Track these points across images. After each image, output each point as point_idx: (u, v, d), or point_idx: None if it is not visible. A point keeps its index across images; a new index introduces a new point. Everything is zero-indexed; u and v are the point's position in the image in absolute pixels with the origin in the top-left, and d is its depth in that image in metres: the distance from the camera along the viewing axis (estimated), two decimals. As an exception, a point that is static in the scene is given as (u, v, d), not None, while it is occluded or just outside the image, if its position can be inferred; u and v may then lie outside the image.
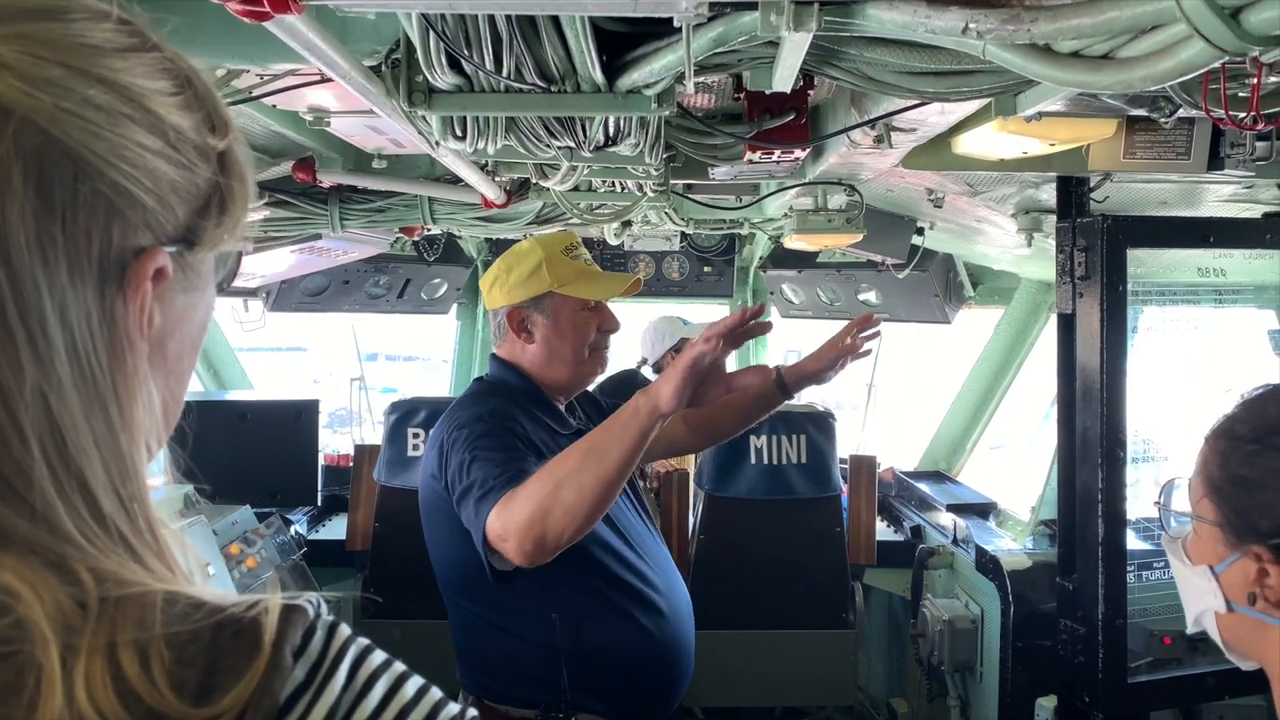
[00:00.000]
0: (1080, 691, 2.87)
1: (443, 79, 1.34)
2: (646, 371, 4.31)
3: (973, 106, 1.90)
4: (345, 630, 0.58)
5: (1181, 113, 1.85)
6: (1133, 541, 2.92)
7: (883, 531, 3.99)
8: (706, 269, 4.68)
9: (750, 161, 2.22)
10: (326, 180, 2.63)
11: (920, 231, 3.46)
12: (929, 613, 3.54)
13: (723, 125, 2.06)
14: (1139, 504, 3.15)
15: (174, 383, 0.62)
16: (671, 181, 2.74)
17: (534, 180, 2.29)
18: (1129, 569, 2.78)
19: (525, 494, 1.72)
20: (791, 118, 1.99)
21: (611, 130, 1.69)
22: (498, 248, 4.64)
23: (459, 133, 1.59)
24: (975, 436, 4.20)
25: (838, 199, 3.00)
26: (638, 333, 4.26)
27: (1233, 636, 1.04)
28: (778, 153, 2.12)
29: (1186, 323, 3.02)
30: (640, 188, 2.58)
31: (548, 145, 1.68)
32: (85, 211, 0.53)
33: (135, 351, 0.55)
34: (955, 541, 3.64)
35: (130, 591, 0.52)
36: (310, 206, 2.84)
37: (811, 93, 2.01)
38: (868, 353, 2.29)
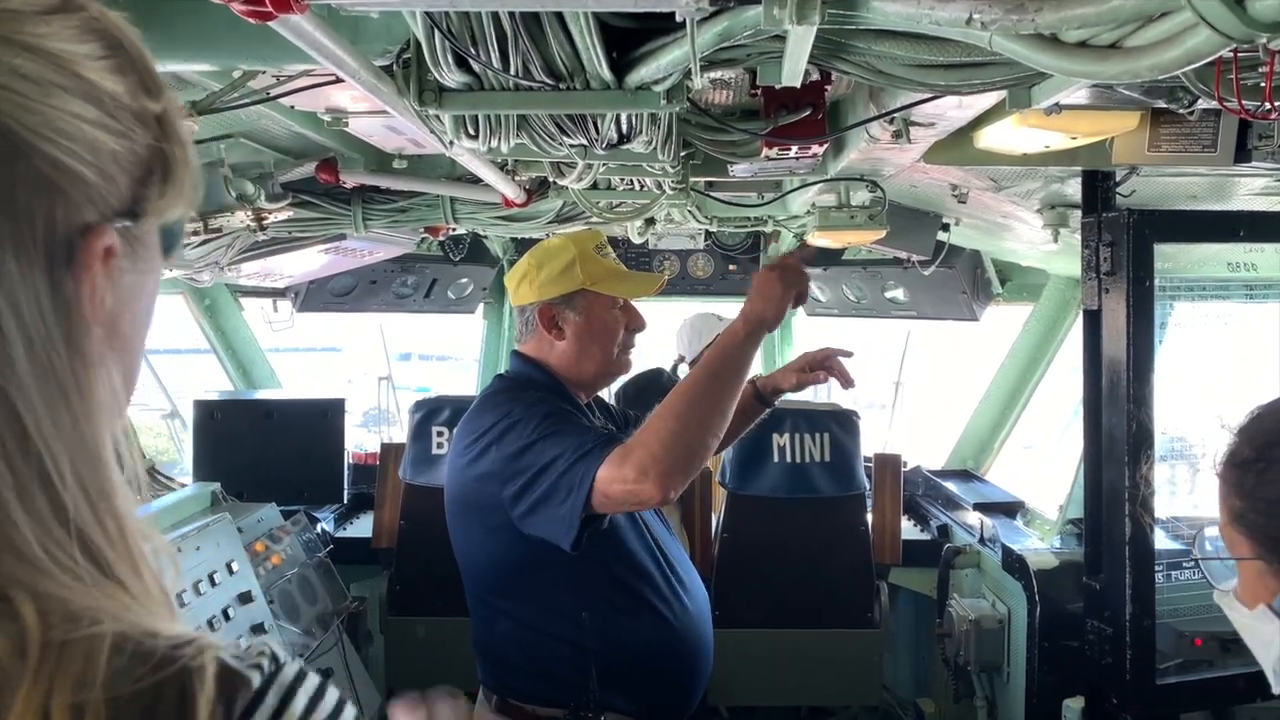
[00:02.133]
0: (1108, 693, 2.84)
1: (451, 77, 1.35)
2: (684, 371, 4.29)
3: (989, 100, 1.88)
4: (304, 695, 0.53)
5: (1203, 104, 1.83)
6: (1162, 541, 2.88)
7: (909, 530, 3.96)
8: (731, 267, 4.67)
9: (768, 158, 2.21)
10: (349, 180, 2.66)
11: (946, 228, 3.42)
12: (955, 612, 3.51)
13: (739, 122, 2.05)
14: (1171, 502, 3.10)
15: (129, 363, 0.59)
16: (691, 179, 2.74)
17: (552, 179, 2.29)
18: (1158, 569, 2.73)
19: (650, 431, 1.77)
20: (808, 113, 1.98)
21: (624, 127, 1.69)
22: (522, 247, 4.66)
23: (471, 131, 1.60)
24: (1004, 435, 4.16)
25: (860, 195, 2.98)
26: (660, 332, 4.26)
27: None
28: (795, 148, 2.10)
29: (1217, 318, 2.96)
30: (659, 185, 2.58)
31: (560, 143, 1.69)
32: (25, 192, 0.49)
33: (91, 336, 0.53)
34: (982, 541, 3.61)
35: (76, 636, 0.47)
36: (334, 207, 2.87)
37: (829, 88, 2.00)
38: (847, 384, 2.27)
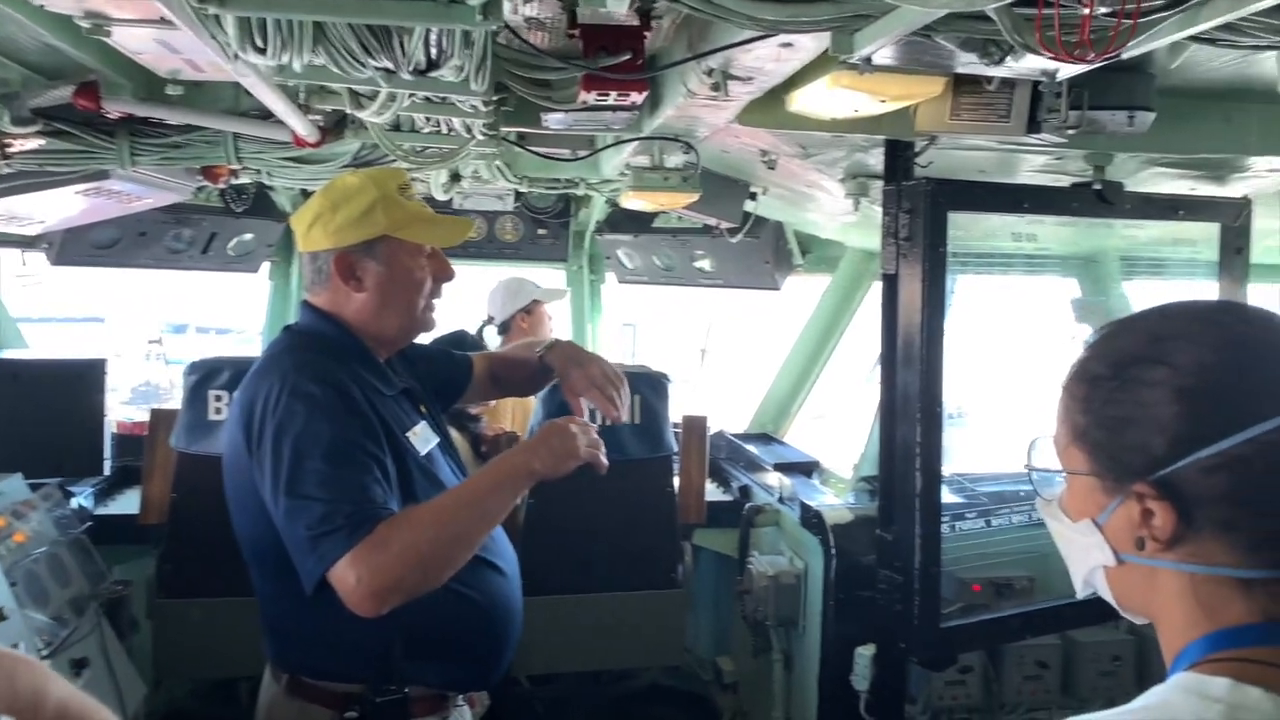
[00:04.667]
0: (897, 638, 2.98)
1: (239, -30, 1.18)
2: (490, 334, 4.15)
3: (807, 54, 1.89)
4: None
5: (1007, 67, 1.89)
6: (945, 495, 3.05)
7: (713, 492, 4.03)
8: (541, 231, 4.56)
9: (586, 105, 2.14)
10: (114, 109, 2.35)
11: (753, 196, 3.48)
12: (755, 569, 3.60)
13: (558, 60, 1.95)
14: (950, 463, 3.29)
15: None
16: (502, 129, 2.62)
17: (350, 113, 2.11)
18: (943, 520, 2.90)
19: (396, 552, 1.72)
20: (628, 57, 1.91)
21: (433, 51, 1.56)
22: (316, 201, 4.36)
23: (260, 43, 1.42)
24: (801, 399, 4.31)
25: (674, 157, 2.96)
26: (462, 296, 4.11)
27: (1123, 590, 0.99)
28: (614, 94, 2.04)
29: (996, 290, 3.17)
30: (468, 129, 2.45)
31: (362, 65, 1.53)
32: None
33: None
34: (781, 500, 3.71)
35: None
36: (95, 139, 2.53)
37: (648, 35, 1.94)
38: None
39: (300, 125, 2.28)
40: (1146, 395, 0.91)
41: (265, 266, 4.80)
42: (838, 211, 3.47)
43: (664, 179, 2.94)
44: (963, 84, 2.18)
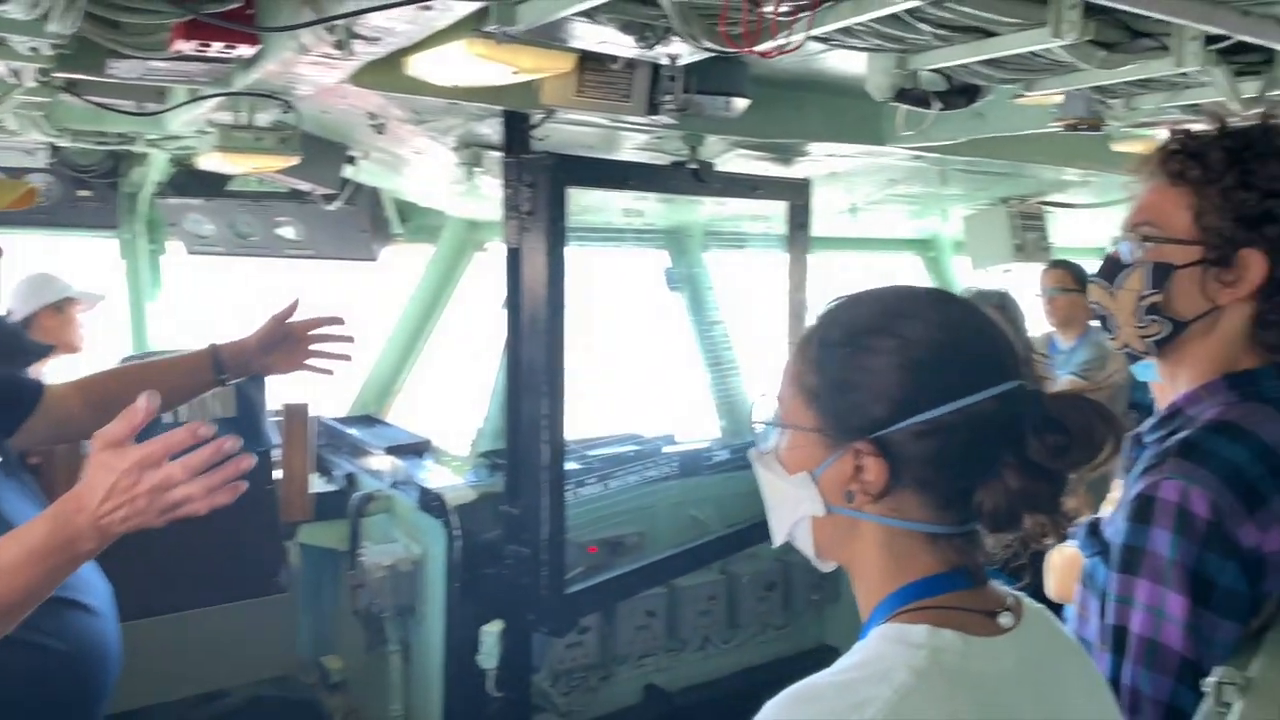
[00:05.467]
0: (525, 611, 3.01)
1: None
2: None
3: (446, 19, 1.76)
4: None
5: (626, 47, 1.92)
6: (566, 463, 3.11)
7: (315, 484, 3.74)
8: (83, 193, 3.84)
9: (180, 55, 1.80)
10: None
11: (351, 160, 3.24)
12: (369, 561, 3.42)
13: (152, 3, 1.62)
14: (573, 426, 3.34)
15: None
16: (54, 75, 2.14)
17: None
18: (566, 489, 2.96)
19: None
20: (239, 4, 1.64)
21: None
22: None
23: None
24: (404, 376, 4.15)
25: (267, 115, 2.64)
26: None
27: (825, 539, 1.06)
28: (218, 45, 1.74)
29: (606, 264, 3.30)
30: (16, 75, 1.96)
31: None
32: None
33: None
34: (394, 485, 3.56)
35: None
36: None
37: (260, -25, 1.68)
38: (344, 358, 2.06)
39: None
40: (875, 362, 0.99)
41: None
42: (442, 180, 3.36)
43: (257, 139, 2.62)
44: (588, 61, 2.20)
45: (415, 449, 3.71)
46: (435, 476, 3.42)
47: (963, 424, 0.97)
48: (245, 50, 1.82)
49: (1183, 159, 1.35)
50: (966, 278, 4.85)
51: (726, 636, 3.71)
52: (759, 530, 3.56)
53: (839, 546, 1.06)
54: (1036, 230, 4.14)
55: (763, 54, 1.34)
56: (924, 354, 0.99)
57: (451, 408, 4.47)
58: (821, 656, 3.91)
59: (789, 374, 1.07)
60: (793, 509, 1.07)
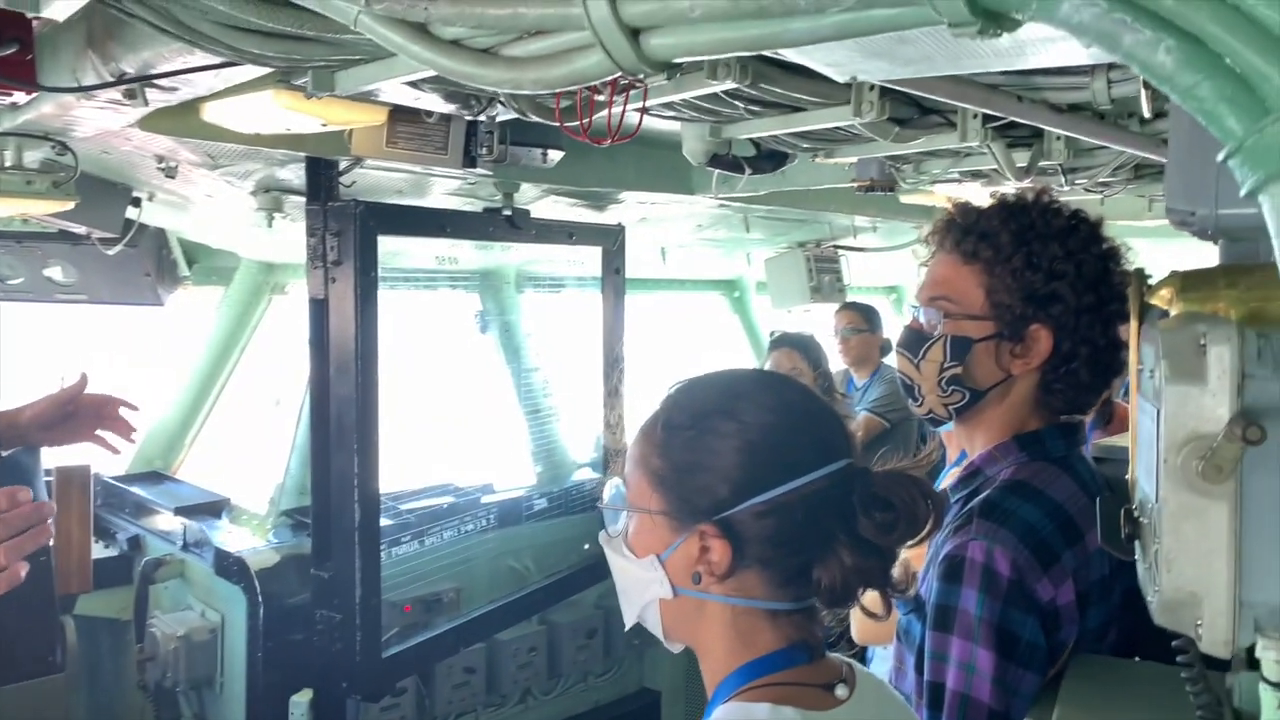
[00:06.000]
0: (338, 678, 2.87)
1: None
2: None
3: (251, 73, 1.67)
4: None
5: (448, 109, 1.91)
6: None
7: (95, 550, 3.41)
8: None
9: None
10: None
11: (137, 202, 2.99)
12: (160, 631, 3.16)
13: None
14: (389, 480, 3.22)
15: None
16: None
17: None
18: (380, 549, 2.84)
19: None
20: (14, 50, 1.48)
21: None
22: None
23: None
24: (197, 429, 3.85)
25: (37, 154, 2.40)
26: None
27: (673, 621, 1.07)
28: (-16, 90, 1.57)
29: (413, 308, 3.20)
30: None
31: None
32: None
33: None
34: (186, 547, 3.30)
35: None
36: None
37: (37, 21, 1.53)
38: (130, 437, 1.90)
39: None
40: (717, 445, 1.02)
41: None
42: (238, 222, 3.18)
43: (28, 183, 2.38)
44: (401, 112, 2.14)
45: (210, 508, 3.46)
46: (233, 538, 3.19)
47: (799, 503, 1.00)
48: (21, 97, 1.65)
49: (975, 240, 1.46)
50: (768, 318, 5.06)
51: (547, 688, 3.66)
52: (579, 578, 3.56)
53: (686, 627, 1.08)
54: (831, 273, 4.38)
55: (595, 141, 1.35)
56: (762, 436, 1.02)
57: (252, 462, 4.19)
58: (643, 700, 3.98)
59: (634, 458, 1.07)
60: (642, 592, 1.07)
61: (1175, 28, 0.63)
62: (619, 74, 0.93)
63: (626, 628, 1.13)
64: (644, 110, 1.45)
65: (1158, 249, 3.99)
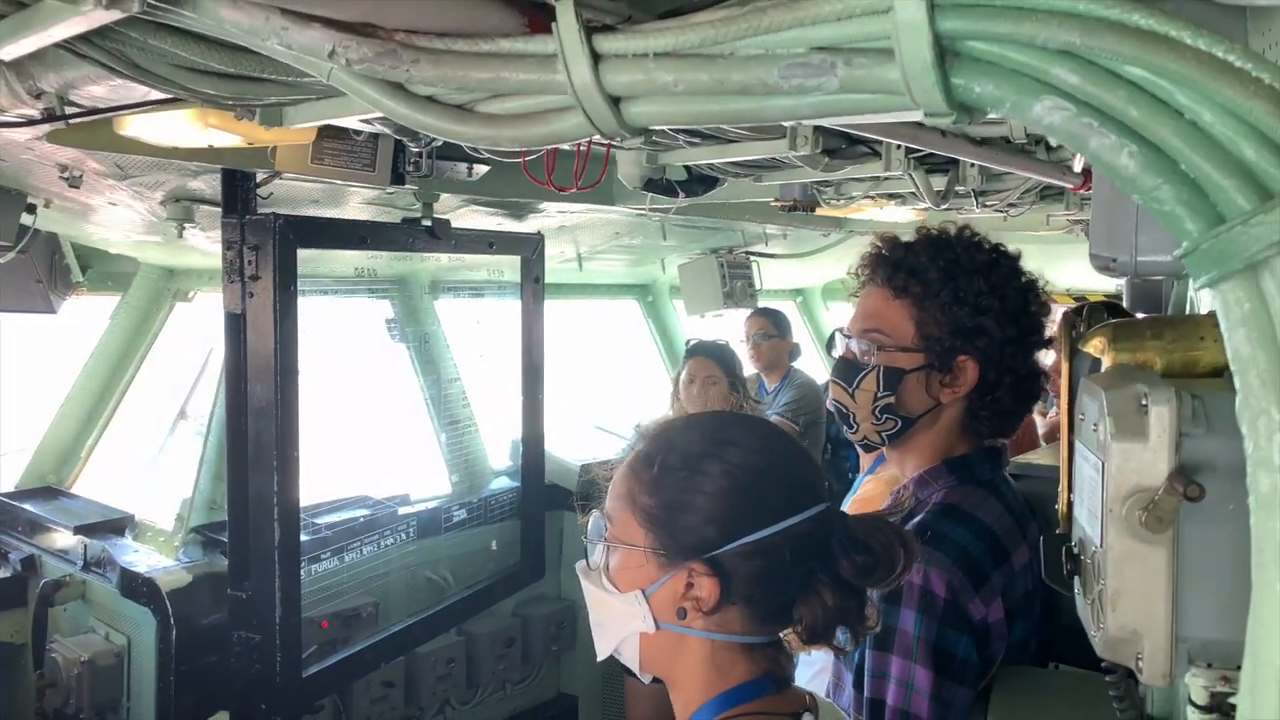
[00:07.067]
0: (257, 699, 2.80)
1: None
2: None
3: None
4: None
5: (374, 129, 1.89)
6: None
7: (-17, 573, 3.24)
8: None
9: None
10: None
11: (32, 209, 2.85)
12: (61, 656, 3.03)
13: None
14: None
15: None
16: None
17: None
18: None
19: None
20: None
21: None
22: None
23: None
24: (93, 441, 3.68)
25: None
26: None
27: (652, 654, 1.10)
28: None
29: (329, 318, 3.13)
30: None
31: None
32: None
33: None
34: (87, 567, 3.16)
35: None
36: None
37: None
38: None
39: None
40: (708, 486, 1.06)
41: None
42: (139, 228, 3.05)
43: (-87, 193, 2.24)
44: (329, 129, 2.10)
45: (112, 526, 3.32)
46: (140, 557, 3.07)
47: (784, 544, 1.05)
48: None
49: (904, 276, 1.53)
50: (682, 323, 5.12)
51: (465, 698, 3.64)
52: (497, 588, 3.54)
53: (664, 660, 1.11)
54: (743, 278, 4.47)
55: (558, 188, 1.36)
56: (751, 479, 1.06)
57: (156, 475, 4.04)
58: (561, 705, 4.00)
59: (620, 494, 1.10)
60: (622, 626, 1.10)
61: (1139, 136, 0.69)
62: (595, 135, 0.96)
63: (599, 659, 1.15)
64: (591, 142, 1.47)
65: (1047, 252, 4.21)
